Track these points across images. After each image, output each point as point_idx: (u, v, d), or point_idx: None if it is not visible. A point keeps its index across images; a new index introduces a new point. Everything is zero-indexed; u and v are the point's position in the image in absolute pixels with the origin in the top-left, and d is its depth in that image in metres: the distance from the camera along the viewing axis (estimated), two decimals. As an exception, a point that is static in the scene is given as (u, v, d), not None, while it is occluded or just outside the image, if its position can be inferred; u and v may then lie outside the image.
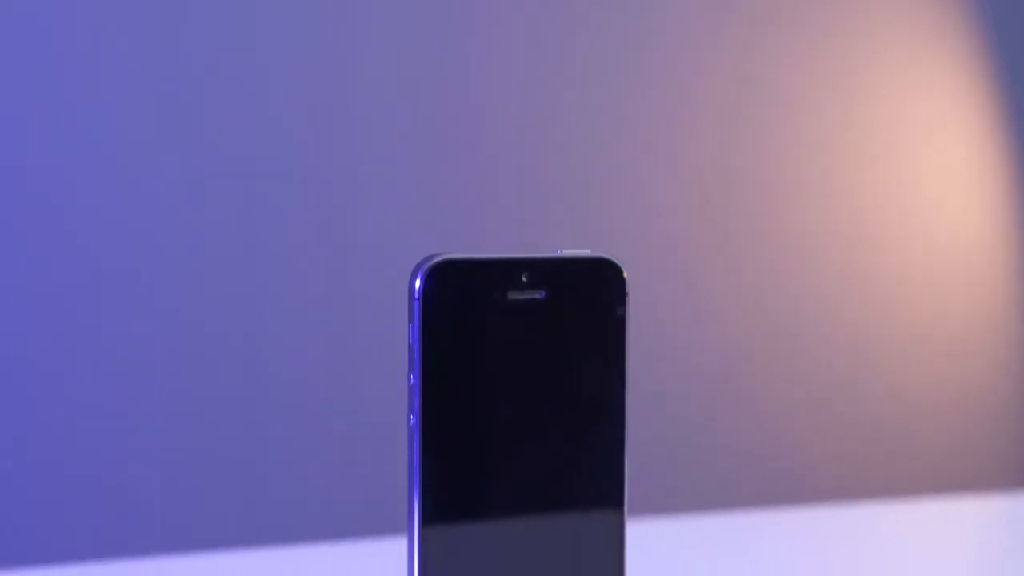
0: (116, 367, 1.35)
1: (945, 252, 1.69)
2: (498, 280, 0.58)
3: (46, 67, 1.32)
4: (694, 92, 1.57)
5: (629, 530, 0.98)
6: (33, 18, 1.31)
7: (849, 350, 1.65)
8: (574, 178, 1.51)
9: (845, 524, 1.01)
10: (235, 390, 1.40)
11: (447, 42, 1.46)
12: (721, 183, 1.59)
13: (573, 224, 1.52)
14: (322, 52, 1.41)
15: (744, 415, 1.60)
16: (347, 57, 1.42)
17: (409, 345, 0.57)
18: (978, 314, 1.71)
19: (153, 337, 1.36)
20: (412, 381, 0.57)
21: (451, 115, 1.47)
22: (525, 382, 0.58)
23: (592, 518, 0.60)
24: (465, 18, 1.46)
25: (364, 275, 1.44)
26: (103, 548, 1.35)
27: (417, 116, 1.46)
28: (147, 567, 0.87)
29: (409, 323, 0.57)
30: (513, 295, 0.58)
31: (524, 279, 0.58)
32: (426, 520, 0.57)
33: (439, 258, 0.57)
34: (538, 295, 0.58)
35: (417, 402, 0.57)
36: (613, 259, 0.59)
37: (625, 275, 0.60)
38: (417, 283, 0.57)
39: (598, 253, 0.60)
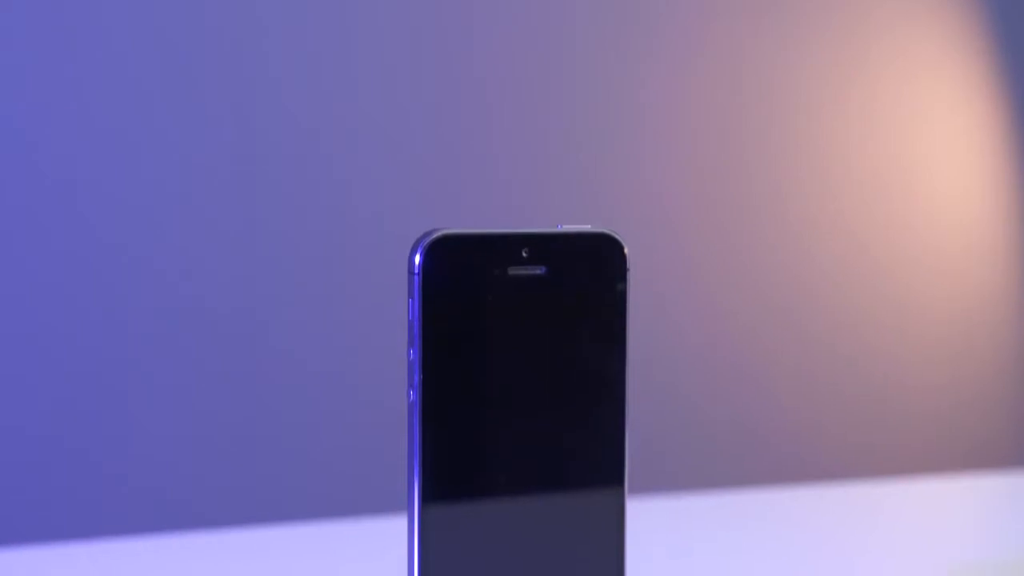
0: (113, 345, 1.35)
1: (946, 232, 1.69)
2: (498, 255, 0.57)
3: (42, 40, 1.32)
4: (696, 69, 1.56)
5: (630, 508, 0.98)
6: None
7: (849, 329, 1.65)
8: (575, 153, 1.51)
9: (845, 503, 1.01)
10: (233, 367, 1.40)
11: (448, 18, 1.46)
12: (723, 162, 1.58)
13: (573, 199, 1.51)
14: (321, 27, 1.41)
15: (745, 393, 1.60)
16: (346, 31, 1.42)
17: (408, 321, 0.57)
18: (978, 294, 1.71)
19: (150, 314, 1.36)
20: (412, 357, 0.57)
21: (452, 90, 1.47)
22: (525, 358, 0.58)
23: (593, 494, 0.60)
24: (464, -4, 1.46)
25: (363, 250, 1.43)
26: (99, 528, 1.35)
27: (417, 91, 1.45)
28: (144, 546, 0.87)
29: (409, 298, 0.57)
30: (513, 270, 0.58)
31: (524, 254, 0.58)
32: (426, 496, 0.57)
33: (439, 233, 0.57)
34: (538, 270, 0.58)
35: (417, 378, 0.57)
36: (614, 234, 0.59)
37: (626, 250, 0.59)
38: (417, 258, 0.57)
39: (599, 228, 0.59)
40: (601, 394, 0.59)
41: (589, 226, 0.60)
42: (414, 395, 0.57)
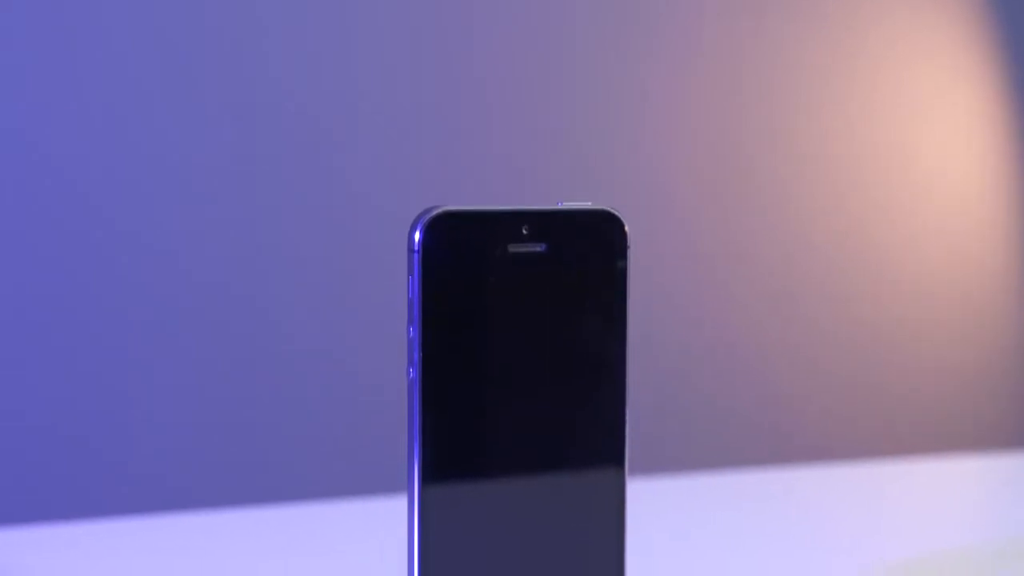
0: (111, 325, 1.35)
1: (947, 213, 1.69)
2: (498, 232, 0.57)
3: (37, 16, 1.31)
4: (698, 51, 1.56)
5: (630, 488, 0.98)
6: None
7: (851, 310, 1.65)
8: (576, 129, 1.51)
9: (846, 483, 1.01)
10: (230, 345, 1.39)
11: (445, -1, 1.46)
12: (724, 143, 1.58)
13: (574, 176, 1.51)
14: (319, 1, 1.41)
15: (746, 373, 1.60)
16: (345, 7, 1.41)
17: (408, 298, 0.57)
18: (980, 276, 1.71)
19: (147, 293, 1.36)
20: (411, 334, 0.57)
21: (452, 66, 1.46)
22: (525, 335, 0.58)
23: (593, 472, 0.59)
24: (463, -25, 1.45)
25: (363, 227, 1.43)
26: (96, 507, 1.35)
27: (417, 67, 1.45)
28: (141, 526, 0.87)
29: (408, 276, 0.57)
30: (513, 247, 0.57)
31: (524, 231, 0.58)
32: (426, 474, 0.57)
33: (439, 210, 0.57)
34: (539, 247, 0.58)
35: (416, 355, 0.56)
36: (614, 211, 0.59)
37: (627, 228, 0.59)
38: (416, 235, 0.57)
39: (599, 205, 0.59)
40: (601, 371, 0.59)
41: (590, 203, 0.60)
42: (414, 373, 0.57)
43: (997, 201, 1.71)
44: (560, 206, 0.59)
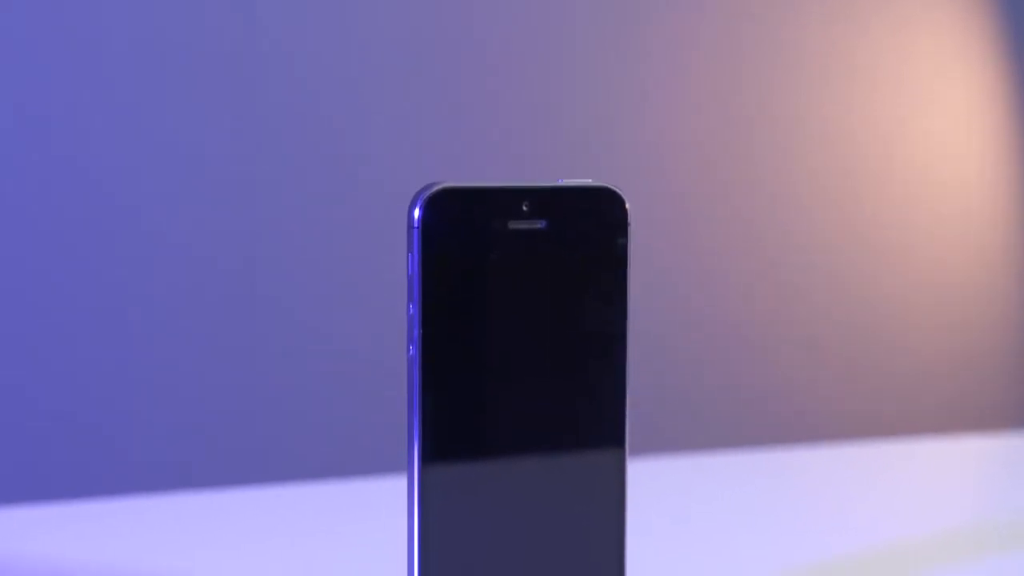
0: (109, 301, 1.34)
1: (947, 194, 1.68)
2: (498, 209, 0.57)
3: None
4: (699, 30, 1.56)
5: (630, 468, 0.98)
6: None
7: (851, 289, 1.64)
8: (576, 106, 1.50)
9: (847, 463, 1.01)
10: (231, 323, 1.39)
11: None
12: (725, 117, 1.58)
13: (575, 153, 1.51)
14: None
15: (746, 352, 1.59)
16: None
17: (408, 275, 0.56)
18: (980, 257, 1.70)
19: (146, 274, 1.36)
20: (411, 311, 0.56)
21: (452, 42, 1.46)
22: (525, 312, 0.58)
23: (593, 450, 0.59)
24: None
25: (363, 203, 1.43)
26: (97, 488, 1.35)
27: (418, 43, 1.44)
28: (141, 505, 0.87)
29: (408, 252, 0.56)
30: (514, 224, 0.57)
31: (525, 208, 0.57)
32: (426, 452, 0.57)
33: (438, 186, 0.56)
34: (539, 224, 0.58)
35: (416, 332, 0.56)
36: (615, 188, 0.59)
37: (627, 205, 0.59)
38: (416, 212, 0.56)
39: (600, 182, 0.59)
40: (602, 348, 0.59)
41: (590, 180, 0.59)
42: (414, 350, 0.57)
43: (996, 184, 1.71)
44: (560, 183, 0.59)
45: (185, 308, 1.37)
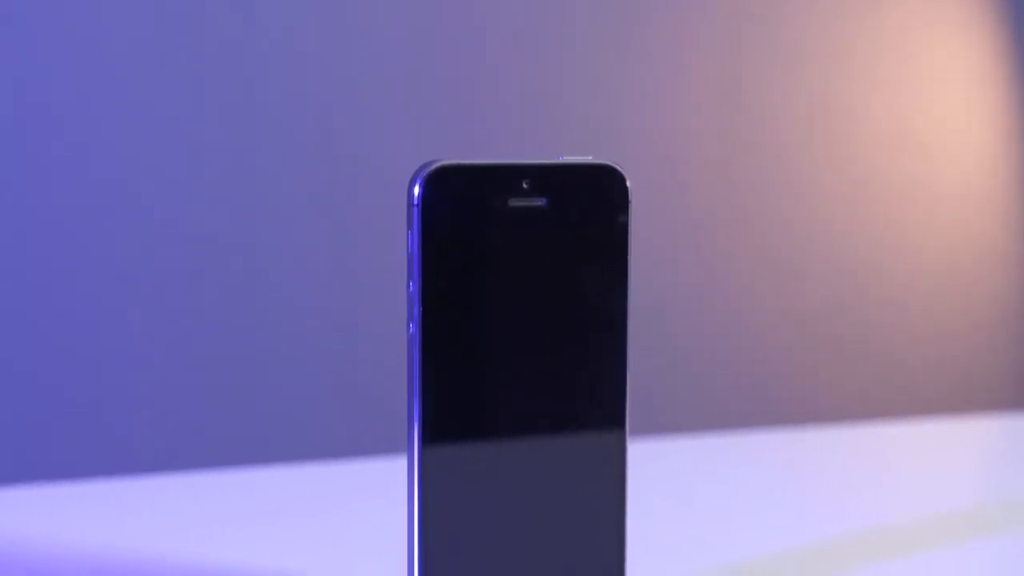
0: (109, 280, 1.34)
1: (948, 175, 1.68)
2: (498, 186, 0.57)
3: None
4: (700, 8, 1.55)
5: (631, 449, 0.98)
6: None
7: (852, 270, 1.64)
8: (577, 83, 1.50)
9: (846, 444, 1.01)
10: (230, 302, 1.39)
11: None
12: (727, 97, 1.57)
13: (575, 131, 1.51)
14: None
15: (747, 332, 1.59)
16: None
17: (408, 253, 0.56)
18: (980, 237, 1.70)
19: (148, 250, 1.35)
20: (411, 289, 0.56)
21: (452, 20, 1.46)
22: (525, 290, 0.57)
23: (594, 430, 0.59)
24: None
25: (363, 181, 1.43)
26: (96, 468, 1.35)
27: (418, 20, 1.44)
28: (141, 485, 0.87)
29: (408, 230, 0.56)
30: (514, 202, 0.57)
31: (525, 186, 0.57)
32: (426, 430, 0.56)
33: (438, 164, 0.56)
34: (539, 202, 0.57)
35: (416, 310, 0.56)
36: (615, 166, 0.58)
37: (628, 183, 0.59)
38: (416, 189, 0.56)
39: (600, 160, 0.59)
40: (603, 326, 0.59)
41: (591, 157, 0.59)
42: (414, 328, 0.56)
43: (997, 168, 1.70)
44: (561, 160, 0.58)
45: (183, 287, 1.37)
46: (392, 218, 1.43)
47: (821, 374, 1.63)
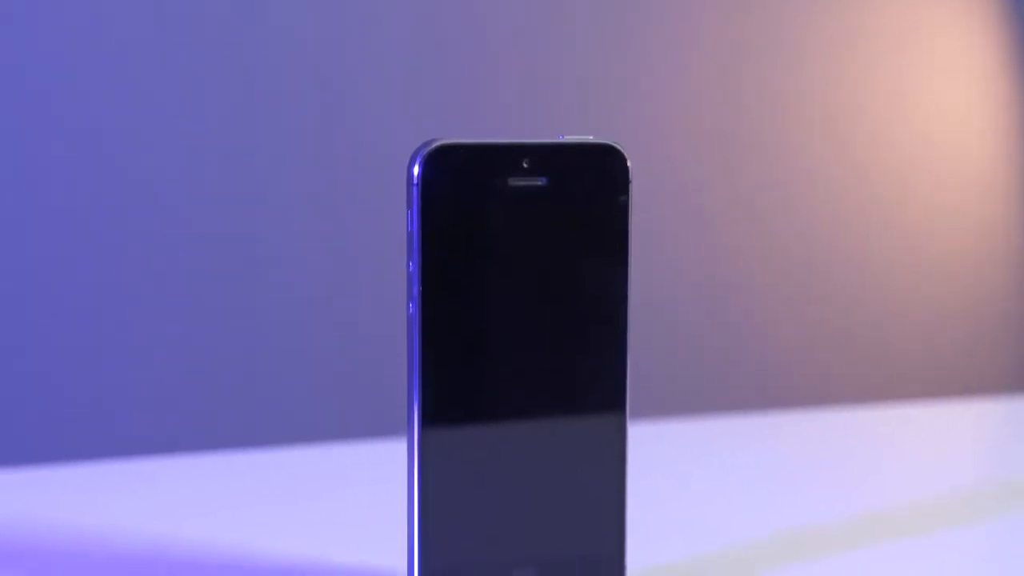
0: (108, 260, 1.34)
1: (948, 157, 1.68)
2: (498, 166, 0.57)
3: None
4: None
5: (631, 432, 0.98)
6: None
7: (852, 252, 1.64)
8: (577, 62, 1.50)
9: (847, 426, 1.01)
10: (228, 281, 1.39)
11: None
12: (729, 77, 1.57)
13: (576, 110, 1.50)
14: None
15: (748, 313, 1.59)
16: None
17: (408, 232, 0.56)
18: (979, 219, 1.70)
19: (146, 232, 1.35)
20: (411, 269, 0.56)
21: None
22: (525, 269, 0.57)
23: (594, 406, 0.59)
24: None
25: (362, 160, 1.42)
26: (96, 450, 1.35)
27: (417, 0, 1.44)
28: (142, 467, 0.87)
29: (407, 209, 0.56)
30: (514, 181, 0.57)
31: (525, 165, 0.57)
32: (426, 409, 0.56)
33: (438, 143, 0.56)
34: (539, 181, 0.57)
35: (416, 289, 0.56)
36: (616, 145, 0.58)
37: (628, 163, 0.58)
38: (416, 169, 0.56)
39: (601, 139, 0.58)
40: (603, 306, 0.59)
41: (591, 137, 0.59)
42: (413, 308, 0.56)
43: (997, 153, 1.70)
44: (561, 140, 0.58)
45: (180, 270, 1.37)
46: (392, 197, 1.43)
47: (820, 358, 1.63)
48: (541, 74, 1.49)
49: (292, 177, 1.40)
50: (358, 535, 0.71)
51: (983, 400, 1.09)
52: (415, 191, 0.56)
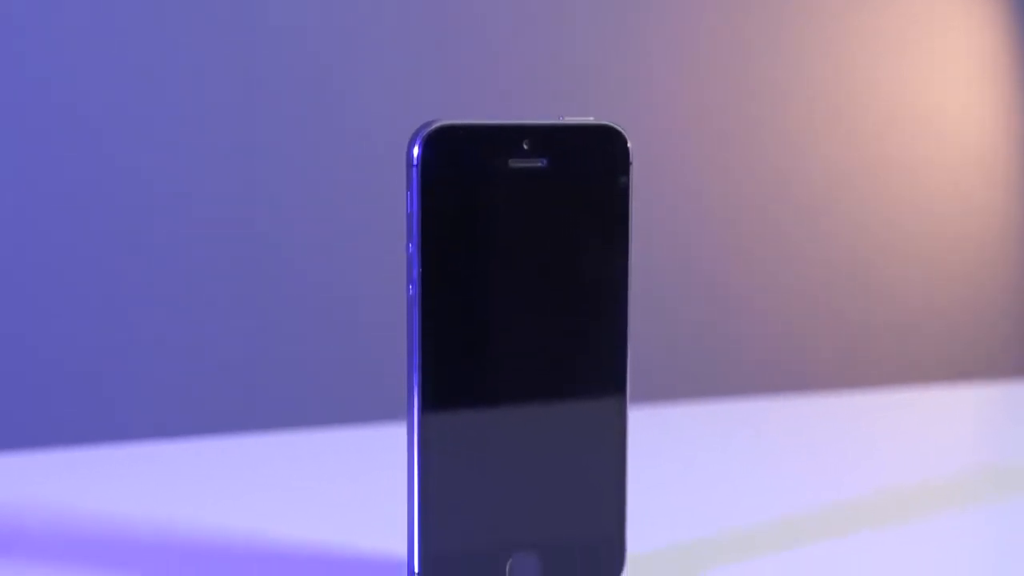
0: (106, 237, 1.34)
1: (949, 142, 1.68)
2: (498, 147, 0.56)
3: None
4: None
5: (632, 416, 0.98)
6: None
7: (852, 238, 1.64)
8: (578, 43, 1.49)
9: (845, 411, 1.01)
10: (227, 267, 1.39)
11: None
12: (731, 57, 1.57)
13: (576, 91, 1.50)
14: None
15: (749, 297, 1.59)
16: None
17: (407, 214, 0.56)
18: (979, 203, 1.70)
19: (143, 211, 1.35)
20: (411, 250, 0.56)
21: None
22: (525, 251, 0.57)
23: (595, 391, 0.59)
24: None
25: (361, 141, 1.42)
26: (96, 434, 1.35)
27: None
28: (141, 451, 0.87)
29: (407, 191, 0.56)
30: (514, 162, 0.56)
31: (525, 146, 0.57)
32: (426, 391, 0.56)
33: (438, 124, 0.56)
34: (539, 162, 0.57)
35: (416, 271, 0.56)
36: (617, 126, 0.58)
37: (629, 144, 0.58)
38: (415, 150, 0.56)
39: (602, 120, 0.58)
40: (603, 288, 0.58)
41: (592, 118, 0.59)
42: (413, 289, 0.56)
43: (996, 133, 1.70)
44: (562, 120, 0.58)
45: (179, 249, 1.36)
46: (391, 179, 1.42)
47: (820, 342, 1.63)
48: (542, 57, 1.48)
49: (290, 159, 1.39)
50: (358, 520, 0.71)
51: (985, 384, 1.09)
52: (415, 172, 0.56)
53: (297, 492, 0.76)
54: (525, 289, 0.57)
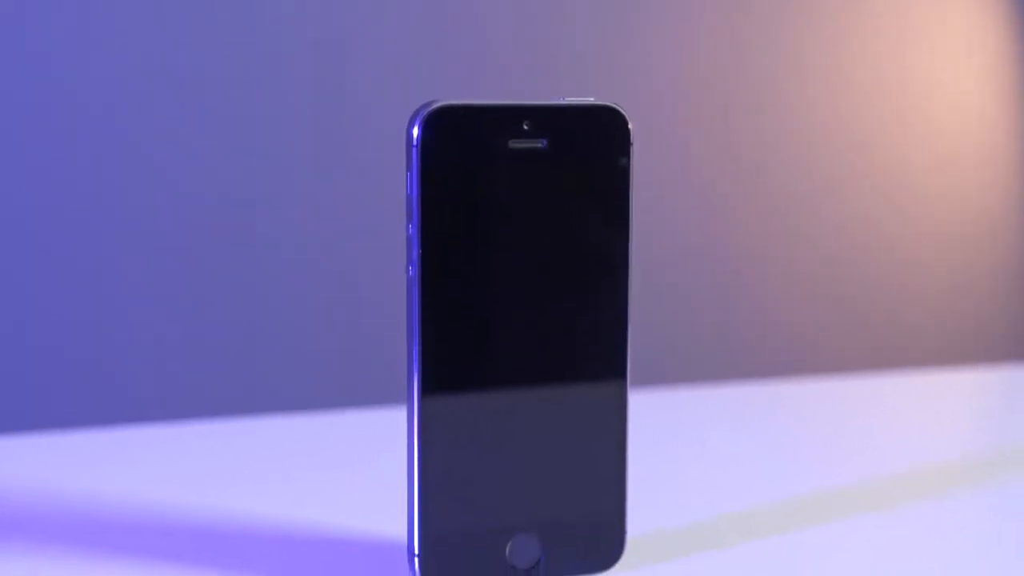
0: (106, 220, 1.34)
1: (949, 132, 1.67)
2: (498, 127, 0.56)
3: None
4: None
5: (633, 399, 0.98)
6: None
7: (851, 223, 1.64)
8: (579, 23, 1.49)
9: (848, 395, 1.01)
10: (226, 251, 1.39)
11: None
12: (732, 41, 1.56)
13: (577, 72, 1.50)
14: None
15: (750, 280, 1.59)
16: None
17: (407, 195, 0.56)
18: (979, 189, 1.70)
19: (142, 195, 1.35)
20: (410, 231, 0.56)
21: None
22: (525, 233, 0.57)
23: (595, 375, 0.59)
24: None
25: (361, 122, 1.42)
26: (96, 417, 1.35)
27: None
28: (141, 434, 0.87)
29: (407, 172, 0.56)
30: (514, 143, 0.56)
31: (525, 127, 0.56)
32: (426, 373, 0.56)
33: (438, 104, 0.55)
34: (540, 143, 0.57)
35: (416, 253, 0.55)
36: (617, 107, 0.58)
37: (630, 125, 0.58)
38: (415, 130, 0.55)
39: (602, 101, 0.58)
40: (603, 269, 0.58)
41: (592, 98, 0.58)
42: (413, 270, 0.56)
43: (995, 123, 1.70)
44: (562, 101, 0.58)
45: (179, 233, 1.36)
46: (391, 159, 1.42)
47: (822, 326, 1.63)
48: (543, 38, 1.48)
49: (290, 140, 1.39)
50: (358, 502, 0.71)
51: (986, 368, 1.09)
52: (415, 153, 0.55)
53: (298, 475, 0.76)
54: (525, 270, 0.57)
